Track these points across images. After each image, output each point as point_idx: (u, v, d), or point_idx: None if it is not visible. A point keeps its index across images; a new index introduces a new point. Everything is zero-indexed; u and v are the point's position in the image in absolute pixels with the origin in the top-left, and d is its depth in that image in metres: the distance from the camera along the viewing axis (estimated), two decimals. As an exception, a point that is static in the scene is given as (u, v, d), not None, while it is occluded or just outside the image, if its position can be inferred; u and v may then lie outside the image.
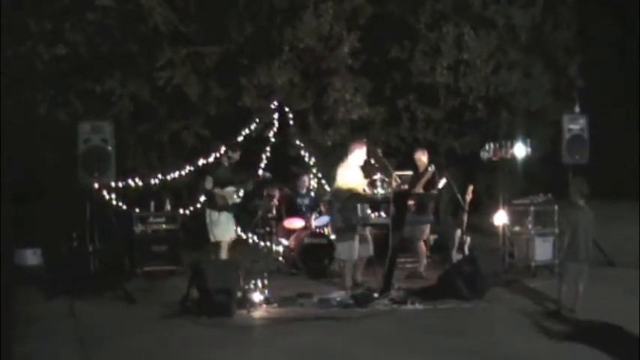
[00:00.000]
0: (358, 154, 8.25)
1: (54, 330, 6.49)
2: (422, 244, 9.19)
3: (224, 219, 8.84)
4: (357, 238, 8.02)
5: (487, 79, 13.28)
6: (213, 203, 8.85)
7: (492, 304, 7.26)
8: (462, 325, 6.53)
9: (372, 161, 9.11)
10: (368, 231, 8.31)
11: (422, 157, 9.44)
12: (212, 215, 8.84)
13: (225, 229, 8.86)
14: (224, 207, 8.82)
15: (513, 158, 9.54)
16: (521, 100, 13.55)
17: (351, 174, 8.12)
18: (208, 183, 8.89)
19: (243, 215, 9.69)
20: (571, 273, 6.76)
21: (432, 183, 9.06)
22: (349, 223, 7.94)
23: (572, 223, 6.76)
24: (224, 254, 8.83)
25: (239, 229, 9.82)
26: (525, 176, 11.97)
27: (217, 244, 8.86)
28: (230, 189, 8.88)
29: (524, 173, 11.56)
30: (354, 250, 8.02)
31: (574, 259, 6.71)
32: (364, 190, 8.03)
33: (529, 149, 9.56)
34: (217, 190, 8.83)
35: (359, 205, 7.89)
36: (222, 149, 9.52)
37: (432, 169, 9.08)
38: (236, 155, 9.17)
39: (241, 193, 9.18)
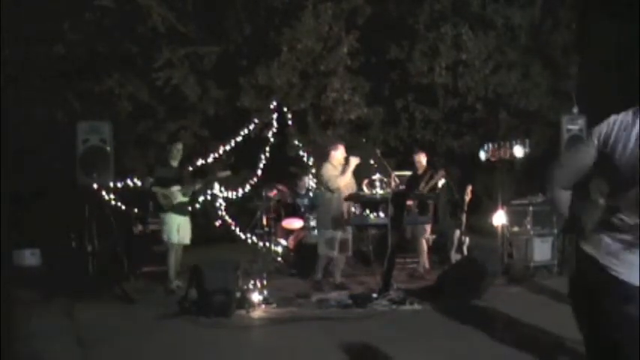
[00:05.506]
0: (338, 154, 8.48)
1: (53, 330, 6.47)
2: (423, 242, 9.20)
3: (169, 220, 8.38)
4: (336, 235, 8.20)
5: (485, 79, 13.28)
6: (157, 203, 8.55)
7: (491, 305, 7.26)
8: (461, 325, 6.51)
9: (372, 161, 9.12)
10: (349, 230, 8.45)
11: (421, 159, 9.49)
12: (161, 215, 8.54)
13: (170, 231, 8.37)
14: (168, 207, 8.38)
15: (513, 159, 9.55)
16: (519, 101, 13.55)
17: (334, 173, 8.33)
18: (147, 182, 8.64)
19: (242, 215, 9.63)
20: None
21: (435, 187, 9.16)
22: (330, 221, 8.22)
23: None
24: (171, 258, 8.36)
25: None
26: (524, 176, 11.96)
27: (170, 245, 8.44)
28: (174, 188, 8.40)
29: (522, 174, 11.56)
30: (332, 247, 8.22)
31: None
32: (361, 190, 8.13)
33: (527, 149, 9.56)
34: (156, 189, 8.45)
35: (338, 204, 8.18)
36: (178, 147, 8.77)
37: (441, 176, 9.10)
38: (179, 147, 8.63)
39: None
